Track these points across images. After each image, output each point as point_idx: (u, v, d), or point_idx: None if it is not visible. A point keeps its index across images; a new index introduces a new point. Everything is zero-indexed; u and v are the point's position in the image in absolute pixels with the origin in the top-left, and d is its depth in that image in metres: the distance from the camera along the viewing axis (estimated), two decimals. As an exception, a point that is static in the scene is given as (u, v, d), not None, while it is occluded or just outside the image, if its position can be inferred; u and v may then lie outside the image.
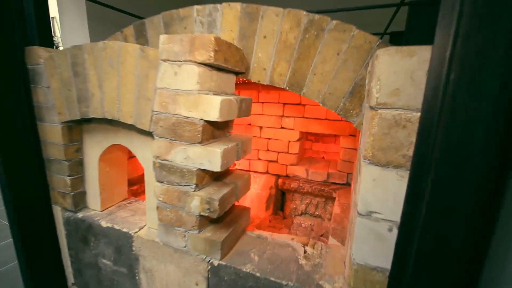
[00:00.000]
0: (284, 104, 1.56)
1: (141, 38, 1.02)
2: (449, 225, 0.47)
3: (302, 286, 0.68)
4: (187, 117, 0.70)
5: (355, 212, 0.59)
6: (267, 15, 0.80)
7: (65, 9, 1.91)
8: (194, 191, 0.74)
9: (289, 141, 1.58)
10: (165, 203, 0.79)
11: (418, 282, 0.51)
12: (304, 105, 1.52)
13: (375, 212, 0.55)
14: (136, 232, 0.91)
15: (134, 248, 0.91)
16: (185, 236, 0.79)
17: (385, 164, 0.52)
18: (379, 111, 0.50)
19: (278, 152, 1.61)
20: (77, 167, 1.01)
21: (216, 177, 0.83)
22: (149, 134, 0.82)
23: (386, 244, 0.56)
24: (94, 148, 0.99)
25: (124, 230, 0.92)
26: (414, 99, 0.48)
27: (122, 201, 1.13)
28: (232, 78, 0.84)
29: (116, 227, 0.94)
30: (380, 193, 0.54)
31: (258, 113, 1.63)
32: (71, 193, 1.01)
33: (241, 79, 0.95)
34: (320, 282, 0.69)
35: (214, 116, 0.67)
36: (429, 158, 0.46)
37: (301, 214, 1.58)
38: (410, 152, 0.50)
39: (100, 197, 1.02)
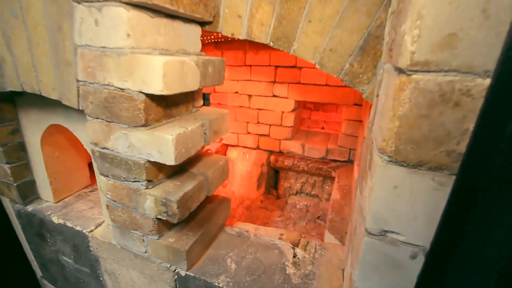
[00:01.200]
0: (276, 67, 1.31)
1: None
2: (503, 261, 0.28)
3: (288, 308, 0.53)
4: (122, 89, 0.48)
5: (362, 227, 0.41)
6: None
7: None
8: (146, 188, 0.55)
9: (283, 112, 1.36)
10: (115, 201, 0.61)
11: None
12: (300, 68, 1.27)
13: (393, 232, 0.37)
14: (91, 231, 0.75)
15: (91, 249, 0.76)
16: (143, 241, 0.63)
17: (416, 165, 0.32)
18: (415, 75, 0.29)
19: (270, 125, 1.40)
20: (17, 152, 0.82)
21: (180, 168, 0.64)
22: (81, 111, 0.61)
23: (404, 275, 0.38)
24: (33, 129, 0.79)
25: (78, 228, 0.76)
26: (483, 53, 0.26)
27: (83, 188, 0.97)
28: (194, 31, 0.60)
29: (69, 224, 0.78)
30: (404, 206, 0.35)
31: (246, 79, 1.39)
32: (15, 184, 0.83)
33: (214, 35, 0.71)
34: (311, 302, 0.54)
35: (157, 87, 0.45)
36: (496, 158, 0.26)
37: (296, 193, 1.43)
38: (462, 147, 0.30)
39: (51, 186, 0.85)
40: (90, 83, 0.51)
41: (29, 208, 0.86)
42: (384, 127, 0.35)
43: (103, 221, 0.78)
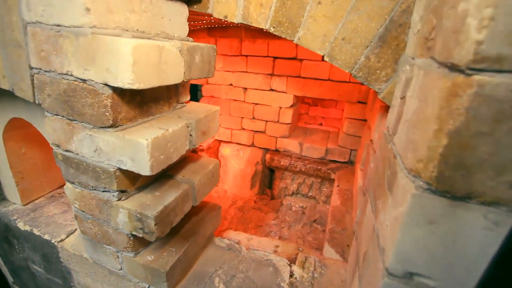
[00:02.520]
0: (275, 58, 1.21)
1: None
2: None
3: None
4: (84, 80, 0.39)
5: (379, 264, 0.33)
6: None
7: None
8: (119, 200, 0.46)
9: (280, 108, 1.27)
10: (84, 212, 0.52)
11: None
12: (300, 60, 1.17)
13: (422, 276, 0.29)
14: (61, 241, 0.66)
15: (62, 260, 0.68)
16: (118, 257, 0.54)
17: (464, 197, 0.24)
18: (479, 76, 0.20)
19: (266, 121, 1.30)
20: (-25, 148, 0.72)
21: (161, 174, 0.55)
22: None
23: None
24: (-8, 122, 0.69)
25: (46, 237, 0.67)
26: None
27: (58, 188, 0.87)
28: (179, 11, 0.50)
29: (36, 232, 0.69)
30: (439, 247, 0.27)
31: (241, 70, 1.28)
32: (-26, 183, 0.73)
33: (205, 19, 0.61)
34: (310, 335, 0.47)
35: (126, 79, 0.35)
36: None
37: (292, 194, 1.36)
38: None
39: (18, 187, 0.75)
40: (46, 71, 0.41)
41: (-7, 210, 0.76)
42: (419, 142, 0.26)
43: (76, 229, 0.69)
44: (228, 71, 1.32)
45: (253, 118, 1.32)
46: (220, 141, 1.46)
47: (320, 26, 0.45)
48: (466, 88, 0.21)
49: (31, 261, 0.79)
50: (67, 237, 0.67)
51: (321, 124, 1.55)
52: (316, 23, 0.45)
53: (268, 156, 1.29)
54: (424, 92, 0.28)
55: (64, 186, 0.57)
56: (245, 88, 1.30)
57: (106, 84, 0.37)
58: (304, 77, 1.19)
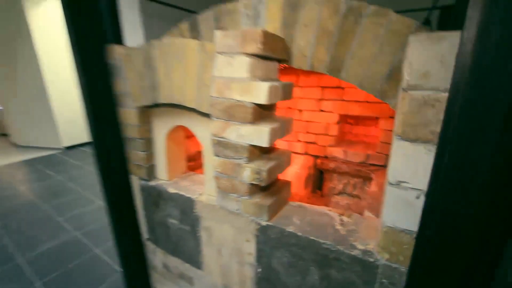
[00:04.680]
0: (323, 87, 1.61)
1: (195, 32, 1.17)
2: (466, 193, 0.53)
3: (337, 244, 0.79)
4: (239, 101, 0.83)
5: (387, 182, 0.67)
6: (307, 3, 0.87)
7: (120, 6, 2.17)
8: (246, 163, 0.88)
9: (328, 123, 1.64)
10: (222, 173, 0.96)
11: (442, 241, 0.59)
12: (343, 88, 1.56)
13: (404, 182, 0.63)
14: (197, 197, 1.10)
15: (195, 210, 1.11)
16: (238, 201, 0.96)
17: (414, 139, 0.59)
18: (410, 92, 0.57)
19: (317, 134, 1.68)
20: (149, 144, 1.24)
21: (264, 153, 0.97)
22: (207, 115, 0.98)
23: (413, 210, 0.64)
24: (161, 129, 1.20)
25: (188, 195, 1.12)
26: (442, 80, 0.53)
27: (183, 174, 1.35)
28: (276, 65, 0.95)
29: (181, 193, 1.15)
30: (409, 165, 0.61)
31: (298, 97, 1.71)
32: (145, 166, 1.24)
33: (282, 66, 1.05)
34: (353, 243, 0.80)
35: (262, 99, 0.79)
36: (454, 134, 0.52)
37: (339, 193, 1.66)
38: (438, 129, 0.56)
39: (167, 169, 1.25)
40: (219, 97, 0.88)
41: (152, 183, 1.26)
42: (397, 120, 0.62)
43: (203, 192, 1.14)
44: (287, 97, 1.76)
45: (307, 132, 1.72)
46: (278, 152, 1.86)
47: (354, 70, 0.84)
48: (406, 96, 0.58)
49: (169, 216, 1.25)
50: (199, 195, 1.12)
51: (363, 141, 1.86)
52: (351, 69, 0.84)
53: (318, 161, 1.64)
54: (399, 100, 0.64)
55: (206, 161, 1.02)
56: (300, 110, 1.72)
57: (251, 102, 0.81)
58: (346, 100, 1.56)
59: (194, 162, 1.55)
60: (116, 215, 1.32)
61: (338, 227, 0.88)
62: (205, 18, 1.11)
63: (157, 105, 1.17)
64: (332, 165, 1.59)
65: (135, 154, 1.25)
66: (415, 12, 1.96)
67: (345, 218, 0.93)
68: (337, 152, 1.63)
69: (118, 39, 1.22)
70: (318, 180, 1.73)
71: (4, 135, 5.86)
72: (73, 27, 1.02)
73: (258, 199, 0.93)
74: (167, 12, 2.29)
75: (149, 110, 1.20)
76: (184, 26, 1.19)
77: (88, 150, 4.80)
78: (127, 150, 1.29)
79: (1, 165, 4.18)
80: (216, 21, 1.08)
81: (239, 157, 0.89)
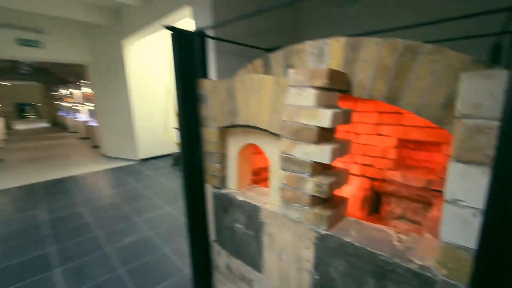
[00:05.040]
0: (381, 112, 1.68)
1: (267, 67, 1.41)
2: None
3: (394, 257, 0.86)
4: (306, 125, 1.01)
5: (444, 200, 0.74)
6: (367, 45, 1.02)
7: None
8: (309, 177, 1.03)
9: (386, 147, 1.68)
10: (286, 185, 1.12)
11: (500, 259, 0.63)
12: (401, 113, 1.60)
13: (460, 200, 0.70)
14: (262, 205, 1.28)
15: (260, 217, 1.29)
16: (299, 210, 1.10)
17: (469, 162, 0.67)
18: (463, 120, 0.66)
19: (374, 157, 1.73)
20: (223, 158, 1.49)
21: (325, 169, 1.10)
22: (276, 135, 1.17)
23: (470, 227, 0.69)
24: (234, 145, 1.45)
25: (254, 203, 1.31)
26: (493, 111, 0.62)
27: (248, 185, 1.56)
28: (337, 94, 1.10)
29: (248, 201, 1.34)
30: (465, 185, 0.68)
31: (356, 121, 1.81)
32: (219, 176, 1.49)
33: (342, 94, 1.20)
34: (411, 258, 0.85)
35: (326, 124, 0.95)
36: (506, 158, 0.59)
37: (398, 218, 1.64)
38: (491, 152, 0.63)
39: (236, 180, 1.47)
40: (289, 121, 1.06)
41: (223, 191, 1.49)
42: (453, 144, 0.71)
43: (268, 202, 1.31)
44: (343, 121, 1.87)
45: (363, 154, 1.78)
46: (333, 172, 1.95)
47: (411, 100, 0.94)
48: (460, 124, 0.67)
49: (236, 221, 1.45)
50: (264, 204, 1.29)
51: (424, 167, 1.81)
52: (408, 99, 0.94)
53: (375, 183, 1.67)
54: (455, 126, 0.73)
55: (272, 175, 1.20)
56: (358, 133, 1.80)
57: (316, 126, 0.98)
58: (405, 125, 1.60)
59: (256, 177, 1.75)
60: (192, 216, 1.58)
61: (396, 243, 0.94)
62: (276, 56, 1.34)
63: (233, 126, 1.42)
64: (390, 188, 1.61)
65: (212, 166, 1.52)
66: (486, 37, 1.91)
67: (403, 236, 0.98)
68: (396, 175, 1.64)
69: (204, 74, 1.55)
70: (374, 203, 1.74)
71: (96, 146, 7.15)
72: (179, 66, 1.37)
73: (318, 209, 1.05)
74: (232, 48, 2.69)
75: (226, 130, 1.46)
76: (258, 62, 1.45)
77: (158, 163, 5.52)
78: (205, 162, 1.56)
79: (93, 171, 5.11)
80: (285, 59, 1.31)
81: (303, 172, 1.05)
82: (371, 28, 1.99)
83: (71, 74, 9.40)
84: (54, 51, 5.17)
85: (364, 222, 1.09)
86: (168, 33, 1.38)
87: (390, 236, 0.98)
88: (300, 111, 1.02)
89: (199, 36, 1.49)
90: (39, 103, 16.93)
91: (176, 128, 5.12)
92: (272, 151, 1.25)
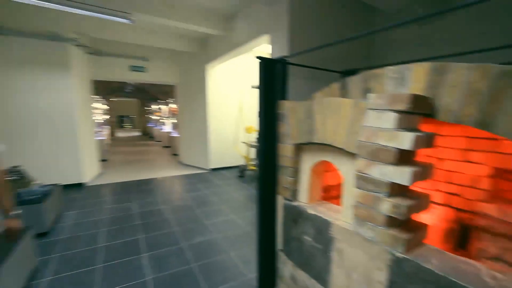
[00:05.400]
0: (471, 138, 1.54)
1: (344, 90, 1.50)
2: None
3: (485, 292, 0.80)
4: (385, 146, 1.05)
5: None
6: (455, 70, 1.02)
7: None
8: (386, 197, 1.05)
9: (477, 176, 1.51)
10: (361, 203, 1.15)
11: None
12: (497, 139, 1.43)
13: None
14: (333, 221, 1.33)
15: (330, 232, 1.33)
16: (373, 229, 1.11)
17: None
18: None
19: (461, 185, 1.57)
20: (296, 172, 1.61)
21: (403, 191, 1.10)
22: (351, 154, 1.23)
23: None
24: (308, 161, 1.55)
25: (325, 218, 1.37)
26: None
27: (318, 201, 1.62)
28: (418, 118, 1.11)
29: (319, 215, 1.41)
30: None
31: (439, 145, 1.69)
32: (291, 188, 1.61)
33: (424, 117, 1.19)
34: (506, 296, 0.78)
35: (406, 146, 0.97)
36: None
37: (492, 258, 1.43)
38: None
39: (307, 194, 1.56)
40: (366, 142, 1.12)
41: (294, 203, 1.59)
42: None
43: (338, 218, 1.35)
44: (423, 145, 1.77)
45: (448, 182, 1.63)
46: (409, 199, 1.83)
47: (507, 126, 0.88)
48: None
49: (304, 233, 1.52)
50: (335, 219, 1.34)
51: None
52: (504, 124, 0.89)
53: (463, 216, 1.50)
54: None
55: (345, 193, 1.25)
56: (440, 158, 1.67)
57: (396, 147, 1.01)
58: (502, 153, 1.42)
59: (325, 194, 1.80)
60: (262, 224, 1.73)
61: (488, 279, 0.87)
62: (354, 80, 1.42)
63: (308, 143, 1.53)
64: (482, 222, 1.43)
65: (285, 179, 1.65)
66: None
67: (497, 274, 0.90)
68: (491, 209, 1.45)
69: (284, 96, 1.73)
70: (461, 237, 1.56)
71: (175, 154, 8.19)
72: (263, 89, 1.58)
73: (394, 231, 1.05)
74: (304, 71, 2.84)
75: (300, 147, 1.59)
76: (335, 85, 1.55)
77: (226, 173, 5.98)
78: (279, 175, 1.71)
79: (171, 175, 5.86)
80: (363, 82, 1.37)
81: (379, 191, 1.07)
82: (448, 50, 1.86)
83: (161, 93, 11.21)
84: (154, 74, 6.34)
85: (446, 252, 1.03)
86: (242, 58, 1.63)
87: (480, 271, 0.91)
88: (379, 133, 1.06)
89: (281, 62, 1.69)
90: (135, 116, 20.48)
91: (244, 143, 5.53)
92: (346, 169, 1.30)
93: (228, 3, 3.77)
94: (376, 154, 1.08)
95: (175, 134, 8.67)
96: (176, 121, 8.99)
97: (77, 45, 4.51)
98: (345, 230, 1.25)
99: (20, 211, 1.28)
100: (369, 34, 1.36)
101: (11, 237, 1.24)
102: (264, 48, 4.05)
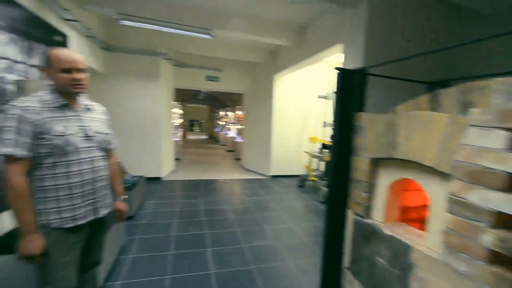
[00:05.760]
0: None
1: (434, 103, 1.36)
2: None
3: None
4: (490, 168, 0.91)
5: None
6: None
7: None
8: (489, 228, 0.91)
9: None
10: (453, 230, 1.03)
11: None
12: None
13: None
14: (415, 245, 1.21)
15: (410, 258, 1.22)
16: (469, 263, 0.97)
17: None
18: None
19: None
20: (371, 188, 1.53)
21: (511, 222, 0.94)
22: (440, 174, 1.11)
23: None
24: (386, 177, 1.46)
25: (404, 241, 1.26)
26: None
27: (394, 221, 1.50)
28: None
29: (397, 237, 1.30)
30: None
31: None
32: (364, 204, 1.53)
33: None
34: None
35: (523, 171, 0.83)
36: None
37: None
38: None
39: (383, 212, 1.46)
40: (464, 162, 1.00)
41: (367, 220, 1.51)
42: None
43: (420, 243, 1.22)
44: None
45: None
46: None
47: None
48: None
49: (378, 254, 1.42)
50: (417, 244, 1.22)
51: None
52: None
53: None
54: None
55: (433, 216, 1.12)
56: None
57: (505, 171, 0.87)
58: None
59: (402, 215, 1.65)
60: (329, 237, 1.68)
61: None
62: (449, 92, 1.28)
63: (387, 158, 1.44)
64: None
65: (358, 193, 1.58)
66: None
67: None
68: None
69: (361, 107, 1.67)
70: None
71: (238, 159, 8.63)
72: (340, 99, 1.57)
73: (500, 269, 0.90)
74: (381, 81, 2.67)
75: (378, 161, 1.50)
76: (422, 98, 1.43)
77: (286, 181, 6.01)
78: (350, 188, 1.65)
79: (233, 178, 6.19)
80: (462, 95, 1.23)
81: (480, 220, 0.94)
82: None
83: (230, 100, 12.05)
84: (226, 83, 6.88)
85: None
86: (310, 67, 1.62)
87: None
88: (483, 153, 0.94)
89: (360, 73, 1.64)
90: (204, 120, 22.50)
91: (306, 152, 5.46)
92: (435, 190, 1.18)
93: (304, 14, 3.86)
94: (478, 177, 0.95)
95: (239, 140, 9.16)
96: (241, 127, 9.51)
97: (166, 59, 5.26)
98: (430, 258, 1.12)
99: (127, 196, 1.55)
100: (474, 42, 1.21)
101: (120, 218, 1.49)
102: (335, 57, 3.98)
